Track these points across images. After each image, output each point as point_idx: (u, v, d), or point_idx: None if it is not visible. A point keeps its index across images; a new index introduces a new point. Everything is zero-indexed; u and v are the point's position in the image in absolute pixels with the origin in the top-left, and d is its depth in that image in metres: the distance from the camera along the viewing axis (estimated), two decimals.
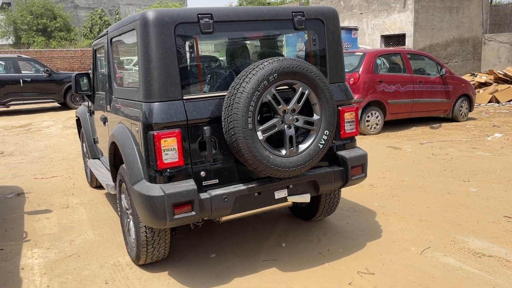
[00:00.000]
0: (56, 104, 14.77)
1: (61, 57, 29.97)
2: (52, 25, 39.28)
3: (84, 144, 5.38)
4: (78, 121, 5.41)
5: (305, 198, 3.09)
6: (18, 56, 14.11)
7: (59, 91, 13.79)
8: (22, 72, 13.40)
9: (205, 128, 2.77)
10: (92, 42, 4.40)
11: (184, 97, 2.75)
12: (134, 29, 2.84)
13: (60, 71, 16.04)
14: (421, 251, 3.29)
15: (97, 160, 4.79)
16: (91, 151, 4.85)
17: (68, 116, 12.44)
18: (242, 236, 3.68)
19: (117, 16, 33.23)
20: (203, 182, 2.81)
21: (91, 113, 4.66)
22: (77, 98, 14.15)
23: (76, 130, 9.99)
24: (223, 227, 3.80)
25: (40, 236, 3.90)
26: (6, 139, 9.25)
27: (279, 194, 3.01)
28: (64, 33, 38.97)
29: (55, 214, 4.46)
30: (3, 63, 13.58)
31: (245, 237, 3.66)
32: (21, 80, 13.12)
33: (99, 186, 5.20)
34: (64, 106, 14.29)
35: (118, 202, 3.54)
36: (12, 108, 14.10)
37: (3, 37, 39.59)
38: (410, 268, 3.04)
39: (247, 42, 3.39)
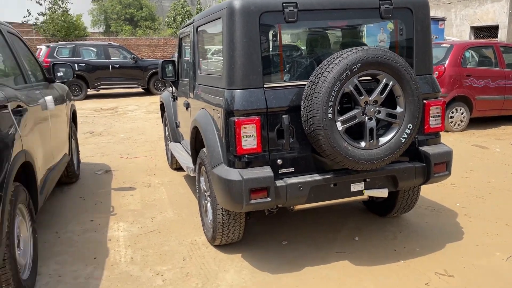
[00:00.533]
0: (140, 90, 15.68)
1: (145, 45, 31.58)
2: (138, 15, 41.41)
3: (166, 128, 5.68)
4: (162, 105, 5.71)
5: (383, 193, 3.02)
6: (108, 43, 15.16)
7: (143, 77, 14.60)
8: (112, 58, 14.38)
9: (283, 116, 2.80)
10: (179, 31, 4.60)
11: (265, 85, 2.80)
12: (220, 18, 2.93)
13: (145, 59, 16.93)
14: (507, 257, 3.07)
15: (178, 143, 5.03)
16: (173, 135, 5.10)
17: (151, 101, 13.15)
18: (314, 226, 3.68)
19: (198, 6, 34.27)
20: (279, 170, 2.85)
21: (175, 98, 4.89)
22: (159, 85, 14.91)
23: (158, 115, 10.61)
24: (295, 216, 3.83)
25: (125, 211, 4.20)
26: (95, 120, 10.02)
27: (356, 187, 2.96)
28: (149, 22, 40.93)
29: (138, 192, 4.77)
30: (95, 50, 14.67)
31: (317, 227, 3.65)
32: (110, 66, 14.09)
33: (179, 168, 5.46)
34: (147, 92, 15.13)
35: (197, 184, 3.70)
36: (101, 92, 15.22)
37: (95, 26, 42.51)
38: (494, 275, 2.86)
39: (330, 31, 3.34)
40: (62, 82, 4.53)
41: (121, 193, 4.73)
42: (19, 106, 2.87)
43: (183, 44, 4.55)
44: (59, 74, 4.23)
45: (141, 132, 8.43)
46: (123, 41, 25.02)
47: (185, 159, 4.34)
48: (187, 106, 4.03)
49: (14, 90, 2.97)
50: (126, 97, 14.53)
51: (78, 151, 5.40)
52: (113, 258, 3.24)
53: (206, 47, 3.76)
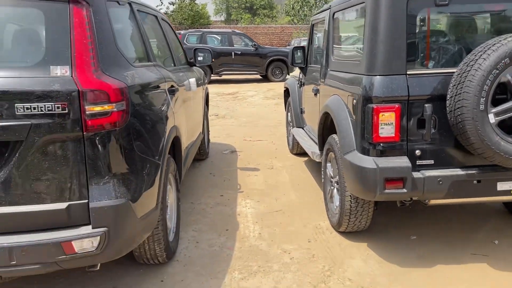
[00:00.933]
0: (258, 76, 16.20)
1: (263, 33, 32.34)
2: (257, 3, 42.39)
3: (289, 113, 5.81)
4: (286, 91, 5.84)
5: None
6: (232, 31, 15.86)
7: (262, 64, 15.04)
8: (234, 45, 15.04)
9: (426, 105, 2.67)
10: (311, 17, 4.63)
11: (408, 72, 2.70)
12: (363, 2, 2.88)
13: (265, 46, 17.37)
14: None
15: (301, 129, 5.11)
16: (296, 121, 5.19)
17: (268, 88, 13.52)
18: (446, 224, 3.48)
19: None
20: (417, 161, 2.74)
21: (301, 84, 4.96)
22: (277, 72, 15.23)
23: (276, 101, 10.91)
24: (425, 211, 3.66)
25: (250, 189, 4.42)
26: (219, 103, 10.63)
27: (503, 186, 2.72)
28: (267, 10, 41.69)
29: (262, 173, 4.98)
30: (219, 37, 15.47)
31: (450, 225, 3.45)
32: (233, 53, 14.76)
33: (299, 154, 5.57)
34: (265, 79, 15.56)
35: (322, 169, 3.74)
36: (223, 77, 16.05)
37: (217, 14, 44.65)
38: None
39: (482, 15, 3.08)
40: (198, 66, 4.89)
41: (246, 173, 4.99)
42: (172, 86, 3.18)
43: (315, 30, 4.58)
44: (199, 58, 4.57)
45: (261, 117, 8.73)
46: (242, 29, 25.98)
47: (309, 145, 4.41)
48: (316, 92, 4.06)
49: (168, 71, 3.30)
50: (245, 83, 15.12)
51: (208, 131, 5.81)
52: (242, 231, 3.45)
53: (342, 33, 3.74)
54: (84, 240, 2.08)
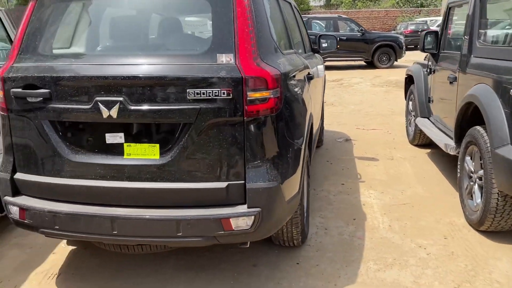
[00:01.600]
0: (362, 63, 15.70)
1: (365, 17, 31.18)
2: None
3: (410, 102, 5.54)
4: (408, 79, 5.57)
5: None
6: (338, 16, 15.53)
7: (368, 50, 14.52)
8: (340, 31, 14.71)
9: None
10: (448, 1, 4.32)
11: None
12: None
13: (372, 31, 16.75)
14: None
15: (426, 119, 4.85)
16: (421, 110, 4.93)
17: (375, 75, 13.03)
18: None
19: None
20: None
21: (430, 71, 4.69)
22: (384, 58, 14.62)
23: (385, 89, 10.50)
24: None
25: (371, 180, 4.33)
26: (325, 91, 10.50)
27: None
28: None
29: (381, 163, 4.84)
30: (324, 23, 15.23)
31: None
32: (337, 39, 14.42)
33: (420, 145, 5.31)
34: (370, 65, 15.02)
35: (459, 163, 3.52)
36: (327, 63, 15.80)
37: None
38: None
39: None
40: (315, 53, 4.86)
41: (365, 162, 4.88)
42: (309, 73, 3.21)
43: (452, 14, 4.28)
44: (324, 45, 4.54)
45: (370, 105, 8.47)
46: (343, 14, 25.24)
47: (439, 136, 4.17)
48: (453, 80, 3.81)
49: (304, 58, 3.32)
50: (349, 70, 14.75)
51: (323, 118, 5.78)
52: (371, 222, 3.40)
53: (491, 16, 3.44)
54: (240, 218, 2.21)
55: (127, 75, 2.15)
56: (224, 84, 2.13)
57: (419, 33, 21.90)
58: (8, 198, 2.41)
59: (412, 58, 17.49)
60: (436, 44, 4.42)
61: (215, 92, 2.13)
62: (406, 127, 5.78)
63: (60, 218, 2.28)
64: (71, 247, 3.11)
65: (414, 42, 20.88)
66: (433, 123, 4.62)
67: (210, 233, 2.21)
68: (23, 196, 2.42)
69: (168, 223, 2.19)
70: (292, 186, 2.44)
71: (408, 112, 5.69)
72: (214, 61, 2.17)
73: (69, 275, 2.81)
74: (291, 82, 2.58)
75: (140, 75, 2.15)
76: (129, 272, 2.80)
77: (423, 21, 24.54)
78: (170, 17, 2.55)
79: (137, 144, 2.24)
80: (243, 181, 2.22)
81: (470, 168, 3.30)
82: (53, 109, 2.24)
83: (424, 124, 4.72)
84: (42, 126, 2.28)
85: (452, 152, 3.72)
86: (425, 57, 5.37)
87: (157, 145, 2.23)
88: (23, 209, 2.36)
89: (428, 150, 5.21)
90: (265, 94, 2.19)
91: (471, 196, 3.28)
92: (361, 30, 14.58)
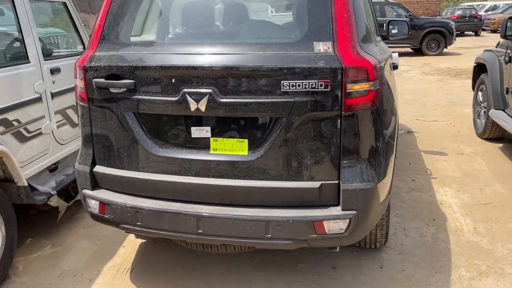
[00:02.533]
0: (408, 49, 15.07)
1: (407, 2, 29.99)
2: None
3: (480, 92, 5.18)
4: (478, 67, 5.20)
5: None
6: (385, 1, 14.93)
7: (417, 36, 13.90)
8: (387, 16, 14.14)
9: None
10: None
11: None
12: None
13: (421, 16, 16.05)
14: None
15: (501, 111, 4.50)
16: (496, 101, 4.58)
17: (424, 63, 12.49)
18: None
19: None
20: None
21: (509, 60, 4.33)
22: (433, 44, 13.99)
23: (437, 77, 10.00)
24: None
25: (444, 176, 4.06)
26: None
27: None
28: None
29: (451, 158, 4.54)
30: None
31: None
32: (384, 24, 13.87)
33: (491, 138, 4.96)
34: (417, 52, 14.41)
35: None
36: None
37: None
38: None
39: None
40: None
41: (433, 157, 4.60)
42: (393, 62, 2.97)
43: None
44: (393, 31, 4.25)
45: (426, 94, 8.06)
46: None
47: None
48: None
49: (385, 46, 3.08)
50: None
51: None
52: (453, 224, 3.15)
53: None
54: (334, 222, 2.03)
55: (218, 66, 2.00)
56: (321, 75, 1.94)
57: (467, 18, 21.00)
58: (87, 192, 2.33)
59: (461, 45, 16.71)
60: None
61: (312, 84, 1.94)
62: (474, 119, 5.41)
63: (143, 214, 2.18)
64: (140, 240, 3.04)
65: (461, 28, 19.94)
66: (511, 116, 4.27)
67: (301, 236, 2.06)
68: (103, 190, 2.34)
69: (257, 224, 2.05)
70: (386, 186, 2.24)
71: (476, 103, 5.32)
72: (311, 50, 1.98)
73: (142, 270, 2.73)
74: (384, 72, 2.36)
75: (232, 65, 1.99)
76: (203, 270, 2.70)
77: (470, 5, 23.37)
78: (259, 1, 2.37)
79: (225, 139, 2.10)
80: (337, 181, 2.04)
81: None
82: (137, 101, 2.12)
83: (500, 117, 4.38)
84: (125, 117, 2.17)
85: None
86: (497, 44, 4.99)
87: (246, 141, 2.08)
88: (103, 204, 2.28)
89: (501, 145, 4.86)
90: (365, 86, 1.99)
91: None
92: (409, 15, 13.98)
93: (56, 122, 3.21)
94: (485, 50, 5.21)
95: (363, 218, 2.06)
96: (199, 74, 2.01)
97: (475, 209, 3.36)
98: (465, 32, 21.45)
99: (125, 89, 2.12)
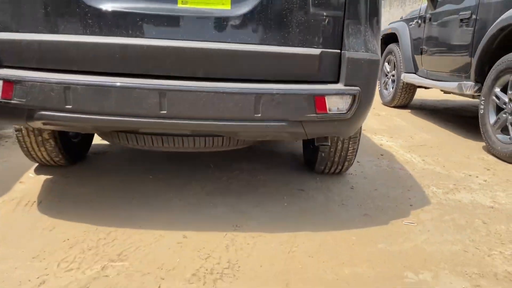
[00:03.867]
0: None
1: None
2: None
3: (386, 64, 5.37)
4: (384, 39, 5.40)
5: None
6: None
7: None
8: None
9: None
10: None
11: None
12: None
13: None
14: None
15: (412, 74, 4.67)
16: (407, 65, 4.74)
17: None
18: None
19: None
20: None
21: (424, 21, 4.52)
22: None
23: None
24: None
25: (372, 129, 4.00)
26: None
27: None
28: None
29: (371, 118, 4.54)
30: None
31: None
32: None
33: (398, 106, 5.14)
34: None
35: (483, 99, 3.30)
36: None
37: None
38: None
39: None
40: None
41: None
42: None
43: None
44: None
45: None
46: None
47: (442, 82, 3.98)
48: (468, 17, 3.62)
49: None
50: None
51: None
52: (401, 158, 3.02)
53: None
54: (337, 98, 1.65)
55: None
56: None
57: None
58: None
59: None
60: None
61: None
62: (380, 90, 5.58)
63: (76, 91, 1.52)
64: (43, 176, 2.27)
65: None
66: (424, 76, 4.44)
67: (297, 116, 1.62)
68: (5, 69, 1.60)
69: (244, 99, 1.56)
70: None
71: (383, 75, 5.51)
72: None
73: (55, 203, 1.99)
74: None
75: None
76: (143, 200, 2.07)
77: None
78: None
79: None
80: (338, 50, 1.67)
81: (504, 100, 3.09)
82: None
83: (414, 78, 4.54)
84: None
85: (469, 91, 3.51)
86: (401, 17, 5.27)
87: None
88: (9, 82, 1.55)
89: (409, 110, 5.07)
90: None
91: (502, 130, 3.08)
92: None
93: None
94: (391, 23, 5.44)
95: (366, 98, 1.72)
96: None
97: (414, 149, 3.30)
98: None
99: None
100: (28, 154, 2.29)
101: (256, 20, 1.60)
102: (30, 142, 2.21)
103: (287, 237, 1.76)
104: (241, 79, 1.62)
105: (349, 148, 2.30)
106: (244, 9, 1.59)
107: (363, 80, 1.69)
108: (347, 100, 1.68)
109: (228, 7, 1.59)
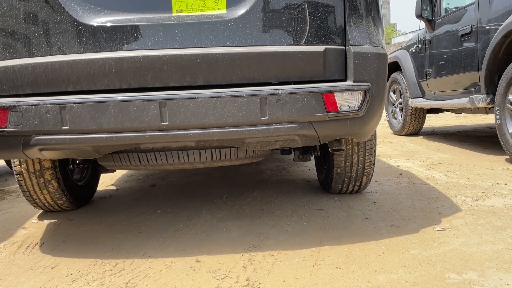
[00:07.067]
0: None
1: None
2: None
3: (392, 93, 5.33)
4: (390, 66, 5.40)
5: None
6: None
7: None
8: None
9: None
10: None
11: None
12: None
13: None
14: None
15: (420, 98, 4.60)
16: (413, 91, 4.69)
17: None
18: None
19: None
20: None
21: (425, 44, 4.52)
22: None
23: None
24: None
25: (386, 155, 3.85)
26: None
27: None
28: None
29: (384, 146, 4.41)
30: None
31: None
32: None
33: (409, 134, 5.03)
34: None
35: (498, 109, 3.18)
36: None
37: None
38: None
39: None
40: None
41: None
42: None
43: None
44: None
45: None
46: None
47: (452, 100, 3.89)
48: (468, 31, 3.60)
49: None
50: None
51: None
52: (422, 175, 2.87)
53: None
54: (347, 94, 1.56)
55: None
56: None
57: None
58: None
59: None
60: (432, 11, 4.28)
61: None
62: (389, 120, 5.49)
63: (73, 110, 1.45)
64: (46, 221, 2.16)
65: None
66: (433, 99, 4.37)
67: (307, 116, 1.53)
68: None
69: (249, 101, 1.48)
70: None
71: (390, 104, 5.45)
72: None
73: (58, 243, 1.86)
74: None
75: None
76: (149, 232, 1.93)
77: None
78: None
79: None
80: (343, 46, 1.61)
81: None
82: None
83: (422, 101, 4.47)
84: None
85: (482, 104, 3.40)
86: (401, 46, 5.30)
87: None
88: (4, 109, 1.49)
89: (420, 136, 4.94)
90: None
91: None
92: None
93: None
94: (391, 53, 5.47)
95: (377, 94, 1.62)
96: None
97: (434, 167, 3.15)
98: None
99: None
100: (30, 199, 2.19)
101: (254, 21, 1.55)
102: (32, 185, 2.12)
103: (310, 252, 1.60)
104: (244, 83, 1.55)
105: (366, 161, 2.18)
106: (240, 10, 1.55)
107: (372, 75, 1.61)
108: (358, 96, 1.58)
109: (224, 10, 1.56)
